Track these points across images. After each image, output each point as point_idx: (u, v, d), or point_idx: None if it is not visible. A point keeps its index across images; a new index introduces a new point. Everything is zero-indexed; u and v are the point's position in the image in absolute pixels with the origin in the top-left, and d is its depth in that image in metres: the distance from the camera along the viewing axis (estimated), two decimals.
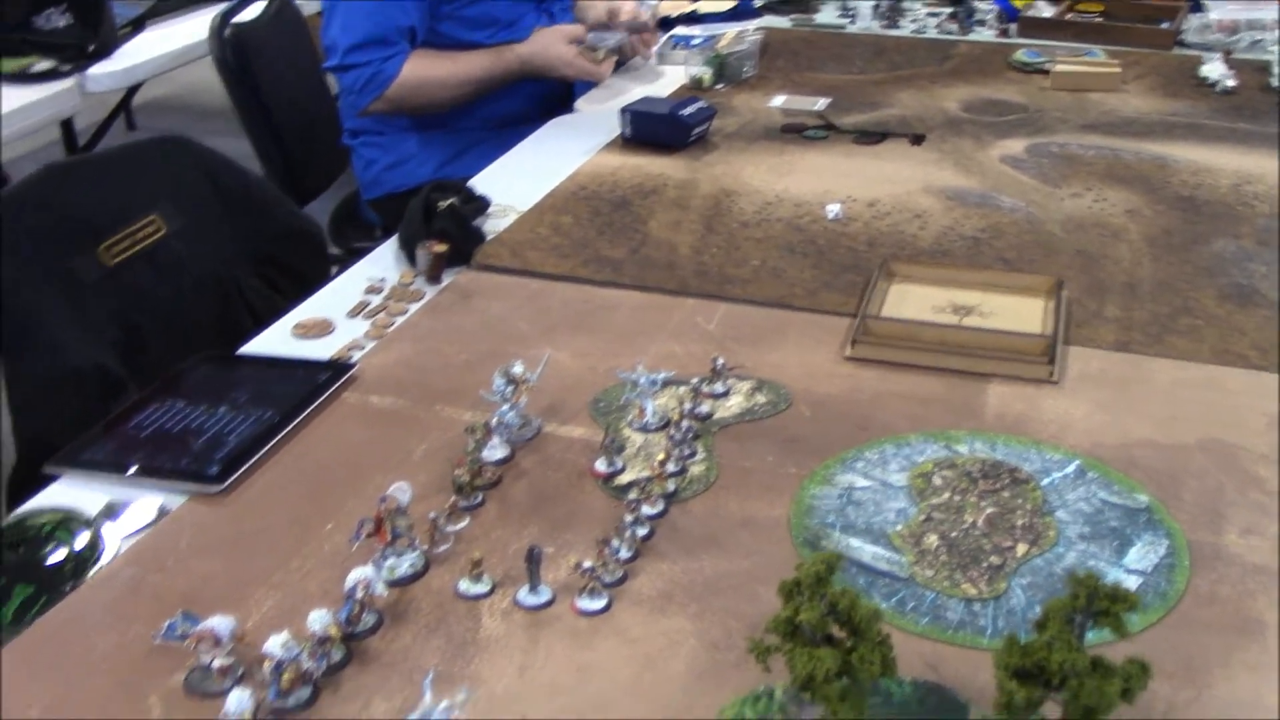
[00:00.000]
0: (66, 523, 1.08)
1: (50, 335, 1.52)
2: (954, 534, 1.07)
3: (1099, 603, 0.77)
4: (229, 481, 1.15)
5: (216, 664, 0.90)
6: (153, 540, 1.09)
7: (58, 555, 1.05)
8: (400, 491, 1.01)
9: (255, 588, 1.02)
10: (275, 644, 0.88)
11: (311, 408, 1.26)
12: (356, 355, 1.38)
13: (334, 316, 1.47)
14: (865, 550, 1.05)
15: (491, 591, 1.01)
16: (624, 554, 1.03)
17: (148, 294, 1.62)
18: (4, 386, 1.49)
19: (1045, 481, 1.13)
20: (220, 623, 0.90)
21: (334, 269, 2.04)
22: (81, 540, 1.07)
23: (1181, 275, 1.52)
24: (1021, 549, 1.05)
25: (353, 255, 2.19)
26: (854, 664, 0.79)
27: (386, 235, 1.70)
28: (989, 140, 1.99)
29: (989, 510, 1.09)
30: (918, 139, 1.99)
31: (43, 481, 1.17)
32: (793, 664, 0.79)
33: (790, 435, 1.22)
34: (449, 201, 1.60)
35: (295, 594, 1.01)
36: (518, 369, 1.20)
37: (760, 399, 1.28)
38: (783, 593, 0.81)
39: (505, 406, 1.19)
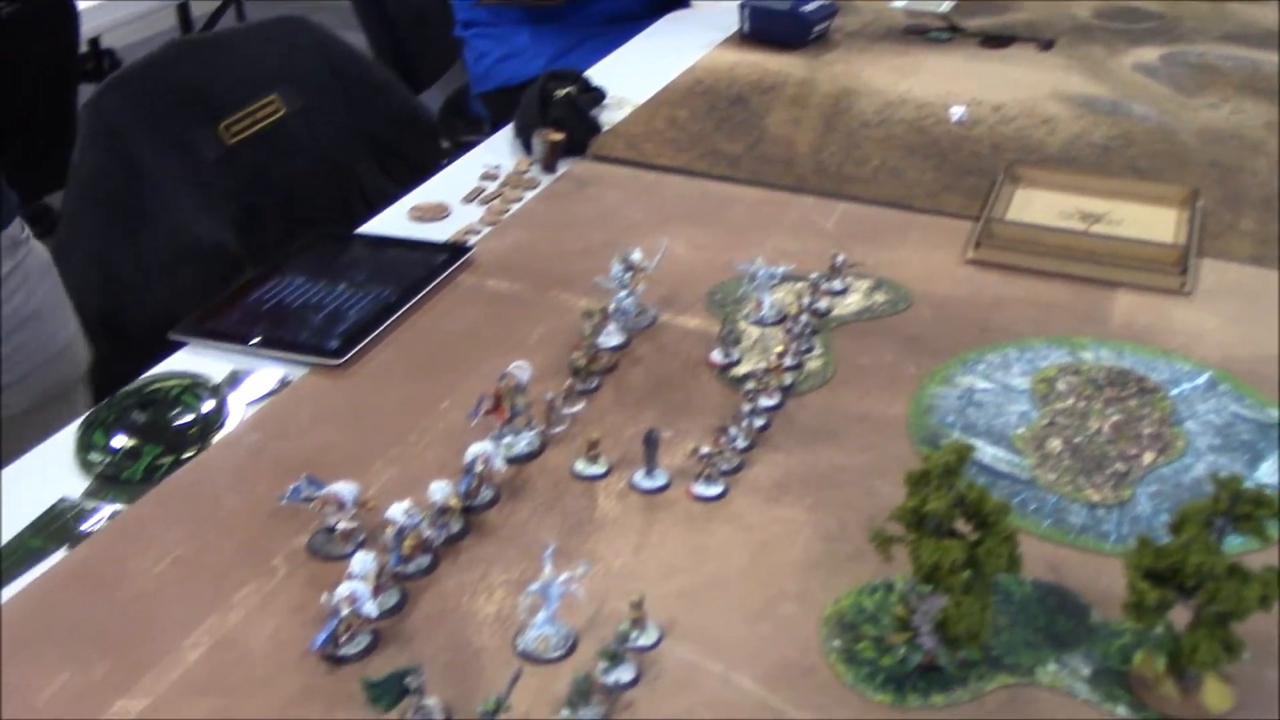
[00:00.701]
0: (193, 388, 1.11)
1: (173, 209, 1.55)
2: (1078, 439, 1.04)
3: (1241, 506, 0.74)
4: (348, 356, 1.16)
5: (340, 527, 0.92)
6: (275, 409, 1.10)
7: (185, 418, 1.08)
8: (520, 369, 1.02)
9: (374, 459, 1.03)
10: (398, 510, 0.89)
11: (429, 288, 1.27)
12: (472, 239, 1.38)
13: (450, 201, 1.47)
14: (986, 451, 1.03)
15: (608, 473, 1.01)
16: (741, 443, 1.03)
17: (265, 174, 1.64)
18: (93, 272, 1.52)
19: (1174, 391, 1.10)
20: (344, 487, 0.92)
21: (444, 161, 2.04)
22: (207, 405, 1.09)
23: None
24: (1149, 457, 1.02)
25: (460, 149, 2.19)
26: (980, 557, 0.78)
27: (495, 130, 1.69)
28: (1121, 48, 1.91)
29: (1115, 417, 1.07)
30: (1046, 44, 1.92)
31: (166, 350, 1.20)
32: (917, 554, 0.78)
33: (909, 335, 1.20)
34: (566, 90, 1.59)
35: (413, 467, 1.02)
36: (636, 256, 1.19)
37: (879, 298, 1.26)
38: (909, 483, 0.80)
39: (623, 293, 1.18)
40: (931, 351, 1.17)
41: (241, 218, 1.62)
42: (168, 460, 1.03)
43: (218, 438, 1.06)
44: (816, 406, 1.10)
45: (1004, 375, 1.13)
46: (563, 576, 0.83)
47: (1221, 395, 1.10)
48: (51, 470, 1.03)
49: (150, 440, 1.05)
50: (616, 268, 1.19)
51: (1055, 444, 1.04)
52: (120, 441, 1.04)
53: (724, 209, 1.45)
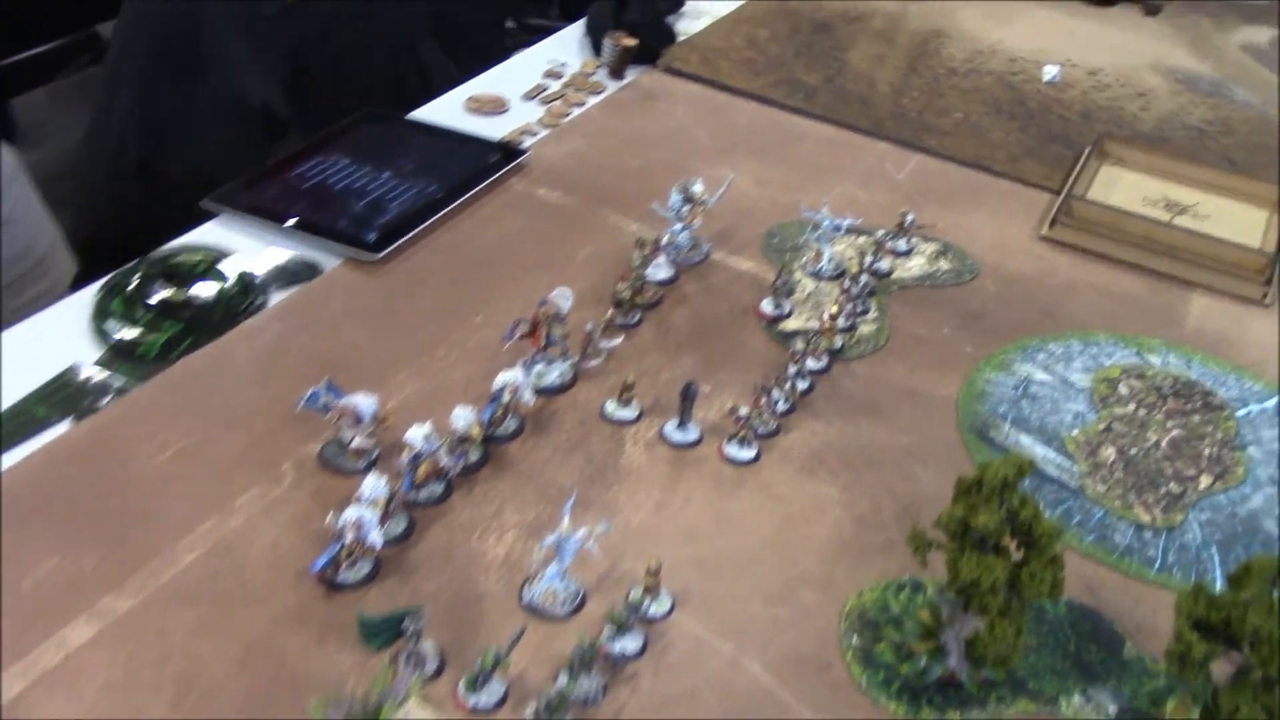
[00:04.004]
0: (221, 264, 1.06)
1: (223, 60, 1.49)
2: (1134, 450, 0.99)
3: None
4: (386, 251, 1.11)
5: (355, 443, 0.87)
6: (303, 298, 1.06)
7: (208, 295, 1.03)
8: (562, 298, 0.96)
9: (399, 369, 0.99)
10: (417, 434, 0.85)
11: (477, 189, 1.21)
12: (528, 141, 1.32)
13: (509, 96, 1.40)
14: (1036, 450, 0.98)
15: (639, 418, 0.96)
16: (781, 406, 0.98)
17: (322, 38, 1.57)
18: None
19: (1241, 412, 1.04)
20: (364, 401, 0.87)
21: (508, 45, 1.97)
22: (233, 285, 1.04)
23: None
24: (1205, 480, 0.97)
25: (527, 33, 2.11)
26: (1022, 579, 0.73)
27: (565, 18, 1.61)
28: (1231, 22, 1.81)
29: (1175, 432, 1.01)
30: (1153, 9, 1.81)
31: (199, 213, 1.15)
32: (956, 566, 0.73)
33: (971, 310, 1.14)
34: None
35: (438, 382, 0.98)
36: (697, 188, 1.13)
37: (944, 265, 1.19)
38: (959, 490, 0.75)
39: (678, 225, 1.12)
40: (992, 331, 1.11)
41: (292, 81, 1.55)
42: (187, 341, 0.99)
43: (241, 323, 1.02)
44: (864, 375, 1.04)
45: (1065, 369, 1.07)
46: (581, 532, 0.79)
47: None
48: (65, 334, 0.99)
49: (170, 316, 1.01)
50: (675, 198, 1.13)
51: (1109, 452, 0.98)
52: (139, 313, 1.00)
53: (794, 144, 1.38)
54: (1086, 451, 0.98)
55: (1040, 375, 1.06)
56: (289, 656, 0.75)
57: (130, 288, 1.02)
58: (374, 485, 0.81)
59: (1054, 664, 0.80)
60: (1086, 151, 1.37)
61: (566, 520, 0.80)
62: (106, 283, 1.03)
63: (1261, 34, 1.78)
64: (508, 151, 1.27)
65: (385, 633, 0.73)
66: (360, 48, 1.61)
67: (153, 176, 1.44)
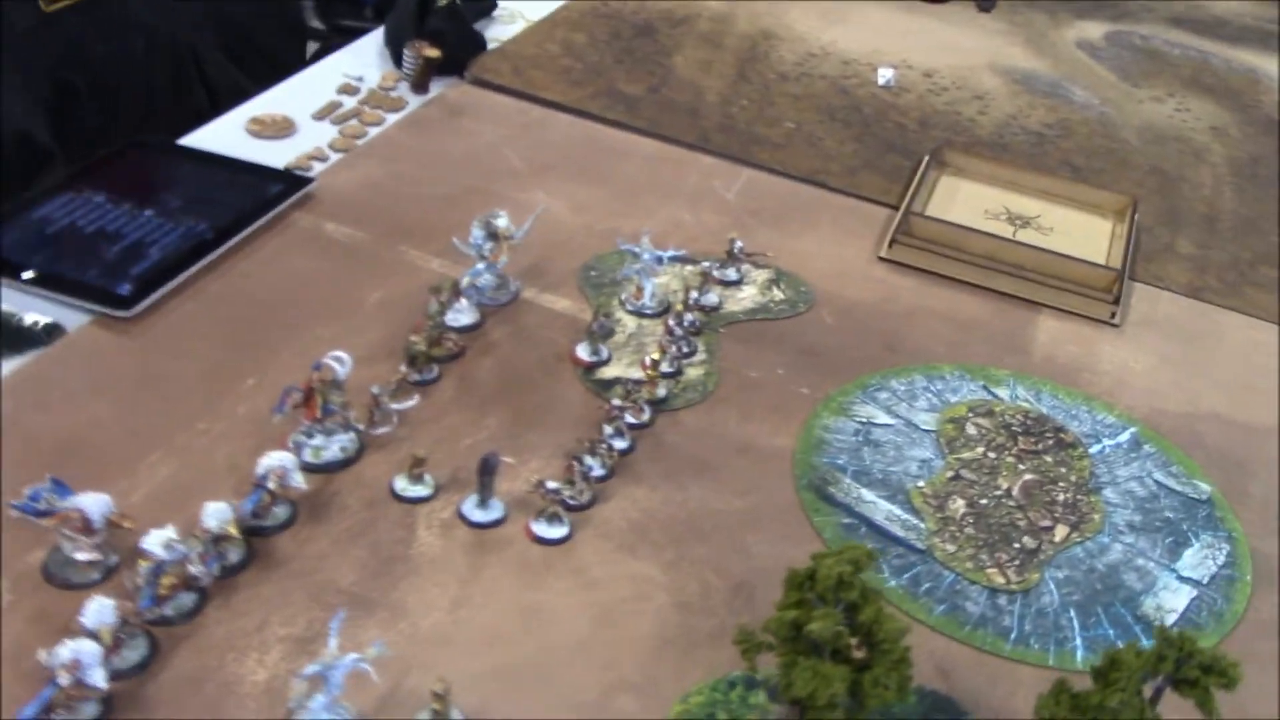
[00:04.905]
0: None
1: None
2: (984, 501, 0.90)
3: (1188, 670, 0.61)
4: (140, 307, 0.96)
5: (81, 556, 0.73)
6: (39, 368, 0.91)
7: None
8: (337, 361, 0.83)
9: (152, 449, 0.84)
10: (156, 541, 0.71)
11: (255, 226, 1.07)
12: (317, 167, 1.18)
13: (298, 115, 1.26)
14: (879, 507, 0.89)
15: (433, 495, 0.84)
16: (597, 471, 0.86)
17: (87, 51, 1.40)
18: None
19: (1094, 449, 0.97)
20: (92, 502, 0.73)
21: (312, 49, 1.82)
22: None
23: (1267, 215, 1.33)
24: (1061, 532, 0.89)
25: (338, 35, 1.96)
26: (864, 687, 0.63)
27: (379, 20, 1.48)
28: (1066, 18, 1.76)
29: (1027, 476, 0.93)
30: (987, 5, 1.75)
31: None
32: (789, 677, 0.63)
33: (807, 345, 1.04)
34: None
35: (197, 464, 0.84)
36: (501, 222, 1.01)
37: (778, 294, 1.10)
38: (790, 584, 0.65)
39: (481, 265, 1.00)
40: (830, 368, 1.02)
41: (55, 103, 1.38)
42: None
43: None
44: (692, 428, 0.94)
45: (909, 409, 0.98)
46: (350, 657, 0.67)
47: (1146, 458, 0.97)
48: None
49: None
50: (477, 233, 1.00)
51: (958, 505, 0.90)
52: None
53: (616, 162, 1.27)
54: (934, 506, 0.89)
55: (883, 418, 0.97)
56: None
57: None
58: (100, 610, 0.67)
59: None
60: (924, 161, 1.29)
61: (334, 641, 0.67)
62: None
63: (1096, 29, 1.74)
64: (292, 181, 1.13)
65: None
66: (133, 63, 1.44)
67: None
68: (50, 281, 0.97)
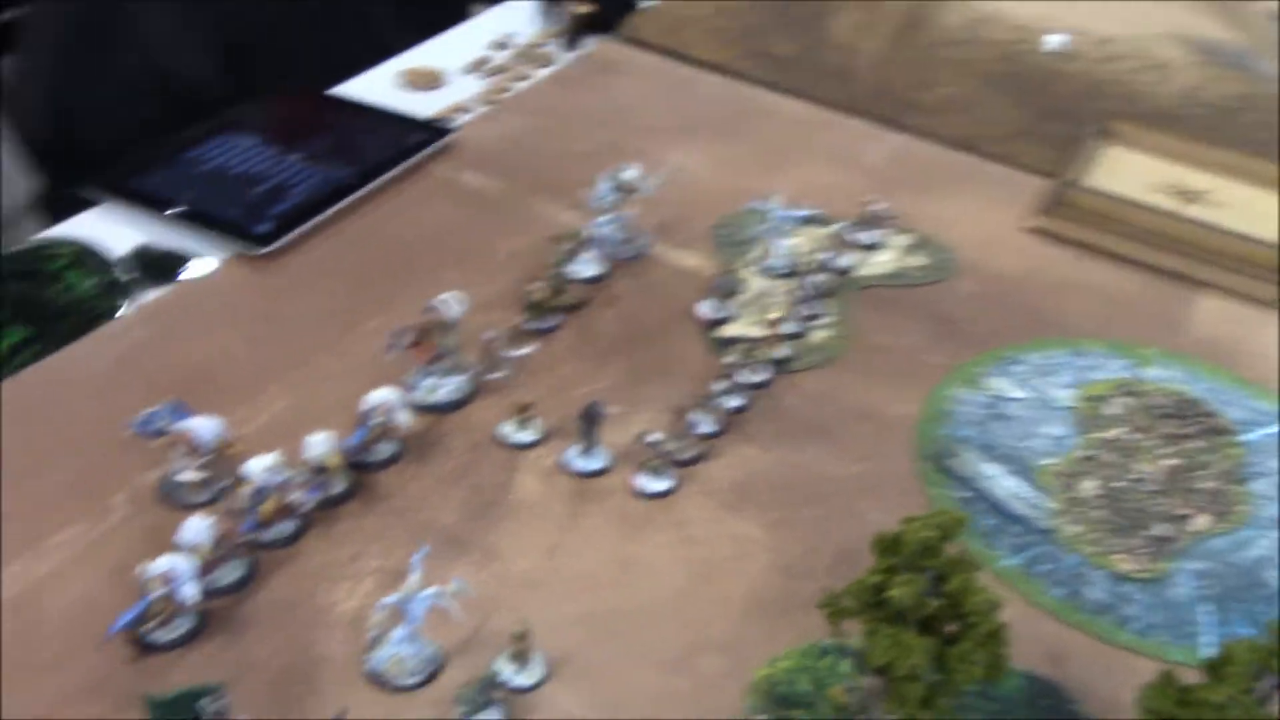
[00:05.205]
0: (83, 260, 0.94)
1: (146, 33, 1.36)
2: (1119, 484, 0.85)
3: None
4: (278, 244, 0.98)
5: (186, 477, 0.75)
6: (175, 300, 0.94)
7: (65, 298, 0.91)
8: (447, 305, 0.84)
9: (270, 382, 0.86)
10: (258, 466, 0.72)
11: (395, 173, 1.08)
12: (462, 119, 1.19)
13: (448, 68, 1.27)
14: (1002, 482, 0.84)
15: (539, 442, 0.83)
16: (705, 428, 0.84)
17: (262, 6, 1.44)
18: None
19: (1247, 436, 0.90)
20: (204, 425, 0.75)
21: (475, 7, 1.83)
22: (95, 284, 0.92)
23: None
24: (1201, 521, 0.83)
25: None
26: (951, 661, 0.60)
27: None
28: None
29: (1171, 461, 0.87)
30: None
31: (80, 204, 1.03)
32: (871, 644, 0.60)
33: (943, 313, 1.00)
34: None
35: (312, 399, 0.85)
36: (629, 174, 0.99)
37: (916, 260, 1.05)
38: (878, 548, 0.62)
39: (605, 218, 0.99)
40: (965, 338, 0.97)
41: (230, 53, 1.42)
42: (31, 349, 0.87)
43: (100, 328, 0.90)
44: (812, 390, 0.91)
45: (1046, 383, 0.93)
46: (430, 591, 0.67)
47: None
48: None
49: (21, 317, 0.89)
50: (603, 186, 0.99)
51: (1089, 486, 0.85)
52: None
53: (760, 121, 1.24)
54: (1063, 484, 0.85)
55: (1016, 392, 0.92)
56: None
57: None
58: (196, 528, 0.69)
59: None
60: (1091, 130, 1.22)
61: (416, 574, 0.67)
62: None
63: None
64: (434, 131, 1.14)
65: (177, 716, 0.61)
66: (305, 16, 1.48)
67: (60, 167, 1.32)
68: (195, 217, 1.00)
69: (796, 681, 0.69)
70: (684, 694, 0.68)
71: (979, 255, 1.07)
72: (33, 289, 0.91)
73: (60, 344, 0.87)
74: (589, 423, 0.80)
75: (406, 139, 1.12)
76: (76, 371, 0.86)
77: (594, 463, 0.82)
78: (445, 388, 0.86)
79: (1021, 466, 0.86)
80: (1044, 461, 0.86)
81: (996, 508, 0.82)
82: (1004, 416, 0.90)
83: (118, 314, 0.91)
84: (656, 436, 0.80)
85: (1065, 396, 0.92)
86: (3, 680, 0.65)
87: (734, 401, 0.87)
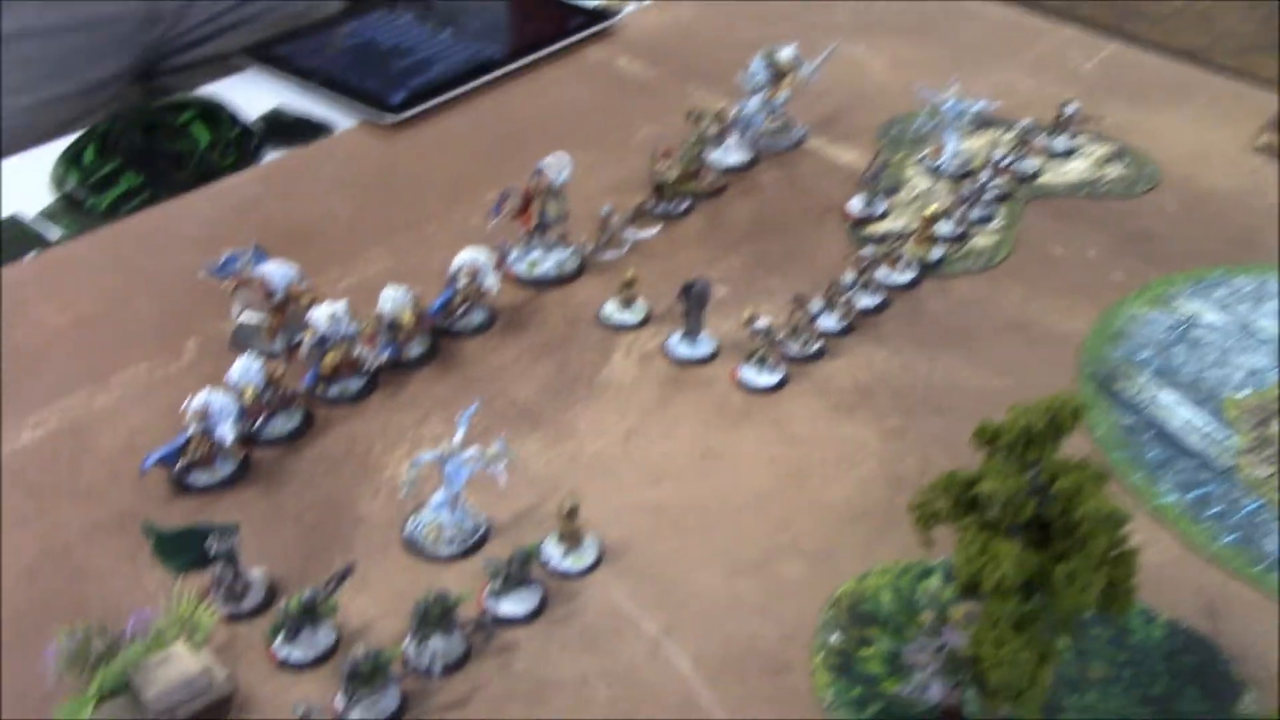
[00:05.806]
0: (210, 116, 0.91)
1: None
2: None
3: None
4: (409, 114, 0.94)
5: (247, 318, 0.71)
6: (296, 161, 0.90)
7: (185, 149, 0.89)
8: (552, 168, 0.77)
9: (374, 244, 0.82)
10: (321, 314, 0.67)
11: (545, 53, 1.02)
12: (631, 7, 1.12)
13: None
14: (1178, 412, 0.71)
15: (641, 324, 0.76)
16: (828, 323, 0.75)
17: None
18: None
19: None
20: (276, 270, 0.70)
21: None
22: (218, 140, 0.90)
23: None
24: None
25: None
26: (1056, 582, 0.49)
27: None
28: None
29: None
30: None
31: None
32: (958, 553, 0.50)
33: (1137, 228, 0.87)
34: None
35: (412, 263, 0.80)
36: (786, 53, 0.90)
37: (1113, 171, 0.92)
38: (981, 439, 0.52)
39: (755, 99, 0.90)
40: (1158, 256, 0.84)
41: None
42: (142, 196, 0.85)
43: (216, 182, 0.87)
44: (962, 296, 0.80)
45: (1250, 310, 0.79)
46: (469, 452, 0.60)
47: None
48: (27, 179, 0.87)
49: (135, 168, 0.87)
50: (757, 64, 0.90)
51: None
52: (100, 165, 0.87)
53: (958, 23, 1.12)
54: (1251, 420, 0.71)
55: (1212, 316, 0.79)
56: (90, 571, 0.59)
57: (107, 136, 0.89)
58: (245, 367, 0.65)
59: (1125, 708, 0.55)
60: None
61: (460, 433, 0.60)
62: (87, 131, 0.90)
63: None
64: (593, 16, 1.08)
65: (185, 553, 0.56)
66: None
67: None
68: (332, 85, 0.97)
69: (882, 600, 0.59)
70: (752, 600, 0.59)
71: (1189, 170, 0.93)
72: (152, 140, 0.88)
73: (174, 193, 0.85)
74: (693, 302, 0.72)
75: (565, 22, 1.06)
76: (185, 220, 0.83)
77: (698, 349, 0.73)
78: (548, 262, 0.79)
79: (1206, 396, 0.72)
80: (1235, 394, 0.73)
81: (1167, 438, 0.70)
82: (1194, 342, 0.77)
83: (238, 172, 0.88)
84: (764, 323, 0.71)
85: (1272, 326, 0.78)
86: (40, 507, 0.62)
87: (866, 300, 0.77)
